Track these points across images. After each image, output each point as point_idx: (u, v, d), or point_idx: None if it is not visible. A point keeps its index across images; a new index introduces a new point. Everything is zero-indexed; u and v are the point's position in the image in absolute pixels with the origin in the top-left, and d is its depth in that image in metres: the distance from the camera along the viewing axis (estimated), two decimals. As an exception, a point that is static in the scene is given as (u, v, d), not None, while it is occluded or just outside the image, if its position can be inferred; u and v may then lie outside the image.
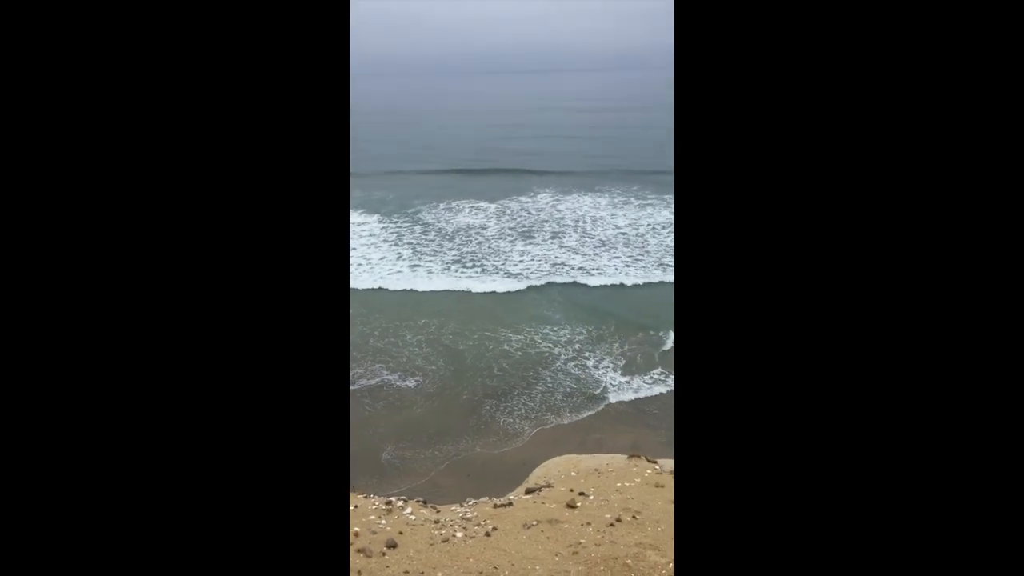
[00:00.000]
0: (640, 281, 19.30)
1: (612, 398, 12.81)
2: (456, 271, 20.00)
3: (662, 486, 5.66)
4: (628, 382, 13.39)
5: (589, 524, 5.02)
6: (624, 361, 14.21)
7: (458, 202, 29.16)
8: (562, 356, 14.59)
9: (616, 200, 29.68)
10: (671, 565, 4.32)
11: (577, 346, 15.08)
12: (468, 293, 18.25)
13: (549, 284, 18.62)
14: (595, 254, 21.65)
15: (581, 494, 5.60)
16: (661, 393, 12.90)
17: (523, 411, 12.31)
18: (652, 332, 15.59)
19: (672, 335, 15.46)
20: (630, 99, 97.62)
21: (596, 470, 6.13)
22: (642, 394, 12.91)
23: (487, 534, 5.00)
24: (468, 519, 5.35)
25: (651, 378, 13.59)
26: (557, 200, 29.71)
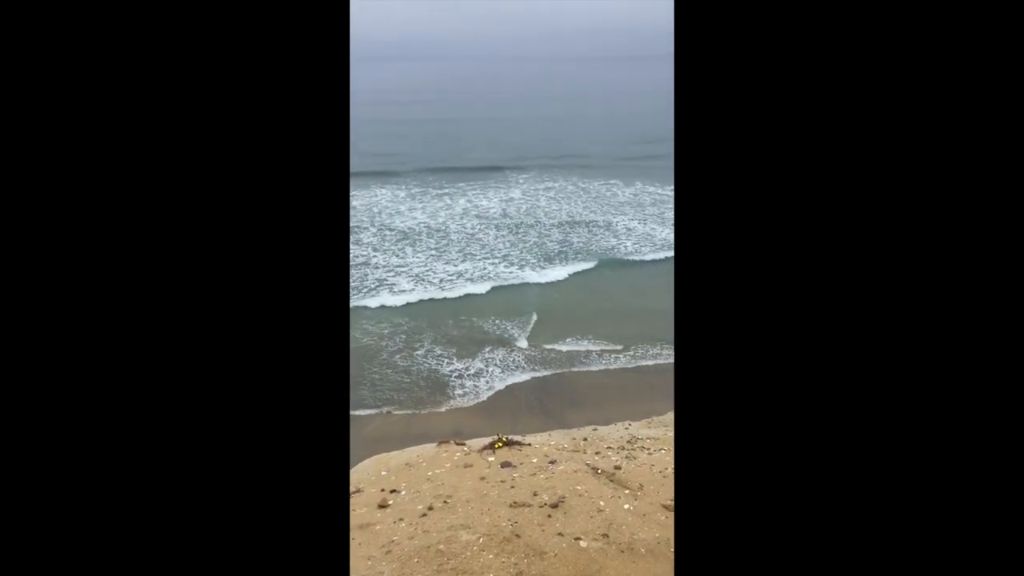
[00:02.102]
0: (452, 275, 19.57)
1: (441, 386, 12.88)
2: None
3: (470, 466, 5.83)
4: (463, 369, 13.53)
5: (402, 520, 4.98)
6: (455, 348, 14.33)
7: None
8: (388, 348, 14.24)
9: (414, 192, 29.66)
10: (481, 540, 4.47)
11: (403, 337, 14.85)
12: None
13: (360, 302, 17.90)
14: (399, 249, 21.42)
15: (392, 491, 5.52)
16: (489, 376, 13.27)
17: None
18: (474, 319, 15.95)
19: (506, 321, 15.98)
20: (420, 91, 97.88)
21: (407, 464, 6.10)
22: (473, 380, 13.14)
23: (294, 557, 4.69)
24: (273, 546, 4.95)
25: (483, 360, 13.92)
26: (352, 196, 28.77)
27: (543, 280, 18.68)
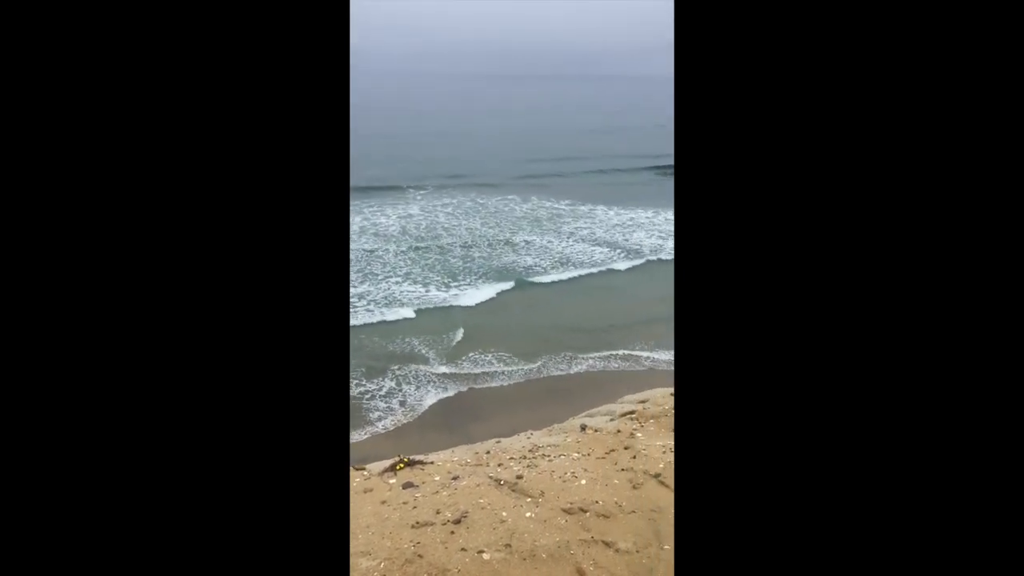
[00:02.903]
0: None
1: (362, 409, 12.39)
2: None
3: (371, 490, 5.69)
4: (375, 390, 13.07)
5: (298, 554, 4.77)
6: (364, 369, 13.85)
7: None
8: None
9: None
10: (382, 565, 4.38)
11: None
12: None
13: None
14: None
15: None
16: (403, 395, 12.94)
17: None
18: (375, 339, 15.53)
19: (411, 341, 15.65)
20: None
21: (304, 495, 5.86)
22: (386, 401, 12.75)
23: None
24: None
25: (394, 377, 13.52)
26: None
27: (462, 303, 18.50)
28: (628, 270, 21.54)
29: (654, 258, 22.70)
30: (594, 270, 21.56)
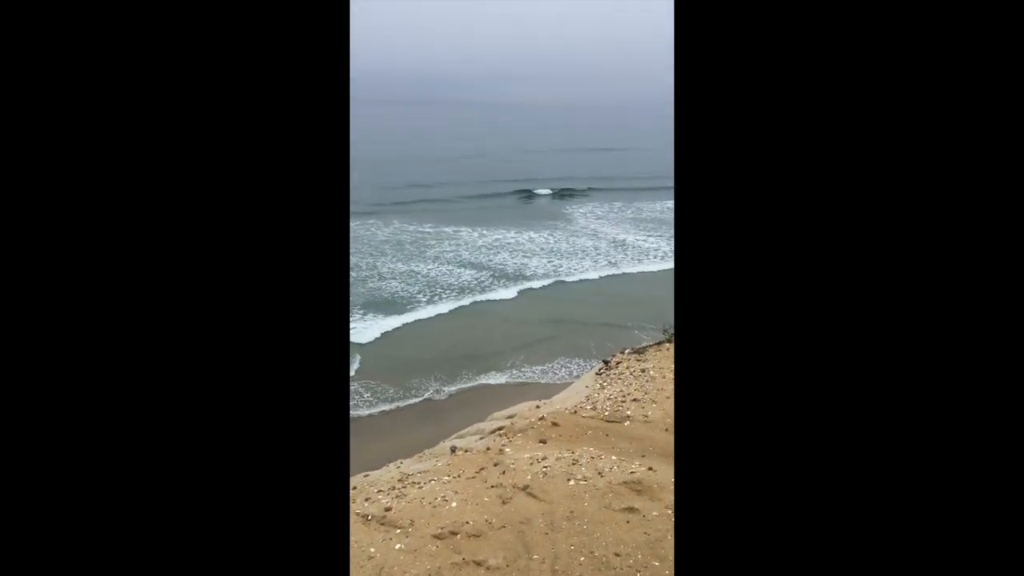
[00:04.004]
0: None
1: None
2: None
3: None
4: None
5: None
6: None
7: None
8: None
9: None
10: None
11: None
12: None
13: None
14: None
15: None
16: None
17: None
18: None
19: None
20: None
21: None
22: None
23: None
24: None
25: None
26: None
27: (355, 340, 17.39)
28: (509, 299, 21.70)
29: (536, 285, 23.04)
30: (472, 299, 21.40)
